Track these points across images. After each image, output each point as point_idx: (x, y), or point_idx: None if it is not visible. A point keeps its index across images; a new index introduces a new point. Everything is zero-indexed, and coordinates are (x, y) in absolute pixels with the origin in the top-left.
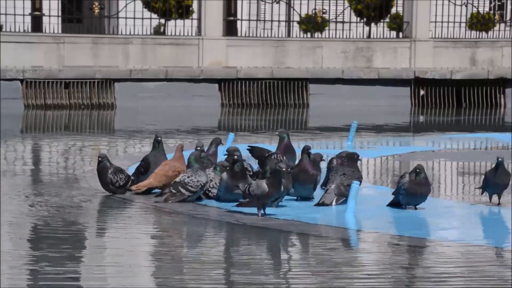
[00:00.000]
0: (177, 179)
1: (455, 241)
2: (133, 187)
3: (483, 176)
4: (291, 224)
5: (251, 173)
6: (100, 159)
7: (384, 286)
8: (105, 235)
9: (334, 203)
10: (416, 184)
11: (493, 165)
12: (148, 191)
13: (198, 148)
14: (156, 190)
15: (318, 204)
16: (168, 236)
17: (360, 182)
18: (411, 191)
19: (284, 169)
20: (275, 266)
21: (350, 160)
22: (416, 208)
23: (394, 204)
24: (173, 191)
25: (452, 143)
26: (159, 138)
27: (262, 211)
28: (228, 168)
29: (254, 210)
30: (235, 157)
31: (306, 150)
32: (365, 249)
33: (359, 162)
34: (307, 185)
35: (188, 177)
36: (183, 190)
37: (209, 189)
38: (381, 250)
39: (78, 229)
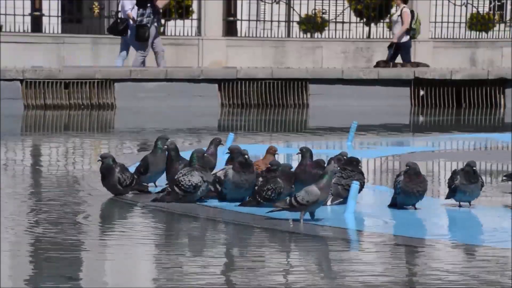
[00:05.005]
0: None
1: (454, 241)
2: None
3: None
4: (291, 224)
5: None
6: (104, 159)
7: (383, 286)
8: (104, 236)
9: (329, 203)
10: (412, 182)
11: None
12: None
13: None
14: (157, 189)
15: None
16: (168, 237)
17: (362, 186)
18: (407, 189)
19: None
20: (274, 266)
21: (349, 165)
22: (415, 208)
23: (394, 204)
24: (169, 189)
25: (452, 143)
26: (159, 142)
27: (311, 217)
28: (233, 164)
29: (254, 210)
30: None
31: (308, 151)
32: (364, 249)
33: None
34: (309, 185)
35: (183, 175)
36: (176, 189)
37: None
38: (380, 250)
39: (78, 230)
